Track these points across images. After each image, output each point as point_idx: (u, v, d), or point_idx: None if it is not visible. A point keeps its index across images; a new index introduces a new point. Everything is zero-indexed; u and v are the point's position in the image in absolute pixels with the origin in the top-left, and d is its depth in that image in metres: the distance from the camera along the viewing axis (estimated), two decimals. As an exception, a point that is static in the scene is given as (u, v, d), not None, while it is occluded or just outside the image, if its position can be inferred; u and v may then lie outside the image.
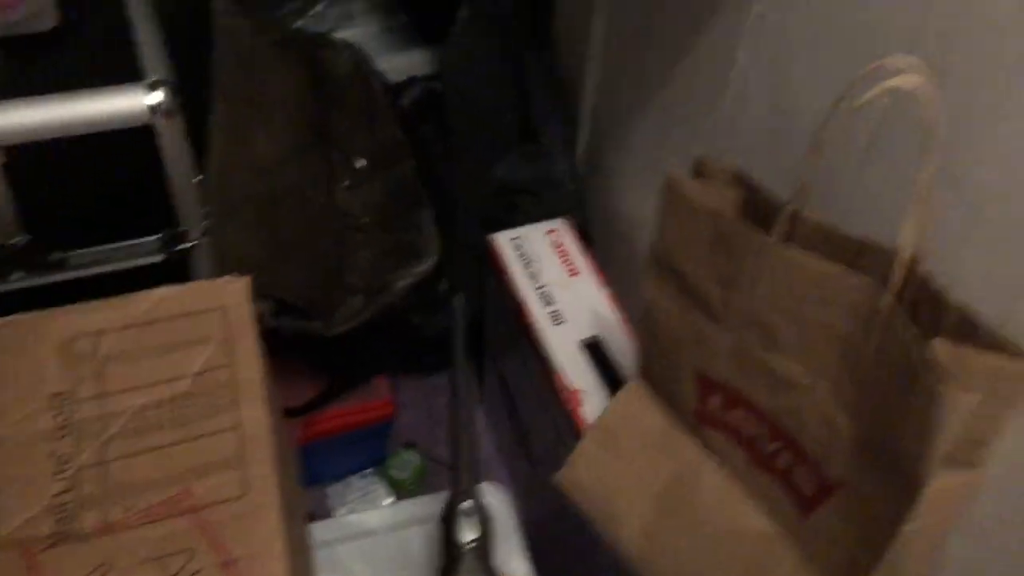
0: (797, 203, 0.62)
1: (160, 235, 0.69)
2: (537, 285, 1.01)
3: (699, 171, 0.69)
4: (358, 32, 1.35)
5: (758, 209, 0.65)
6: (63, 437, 0.56)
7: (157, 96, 0.62)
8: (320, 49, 1.24)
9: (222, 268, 0.89)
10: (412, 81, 1.30)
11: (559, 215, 1.06)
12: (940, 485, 0.56)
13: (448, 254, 1.13)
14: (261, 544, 0.51)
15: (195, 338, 0.61)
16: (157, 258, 0.69)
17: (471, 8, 1.14)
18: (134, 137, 0.63)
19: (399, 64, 1.31)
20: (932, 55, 0.57)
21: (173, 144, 0.63)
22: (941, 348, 0.54)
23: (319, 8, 1.35)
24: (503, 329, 1.09)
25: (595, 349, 0.95)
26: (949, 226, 0.58)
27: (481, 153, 1.12)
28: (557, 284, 1.01)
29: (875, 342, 0.58)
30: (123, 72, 0.63)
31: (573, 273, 1.02)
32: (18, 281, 0.65)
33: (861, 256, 0.61)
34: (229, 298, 0.63)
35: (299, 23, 1.34)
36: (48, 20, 0.63)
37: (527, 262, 1.03)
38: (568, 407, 0.91)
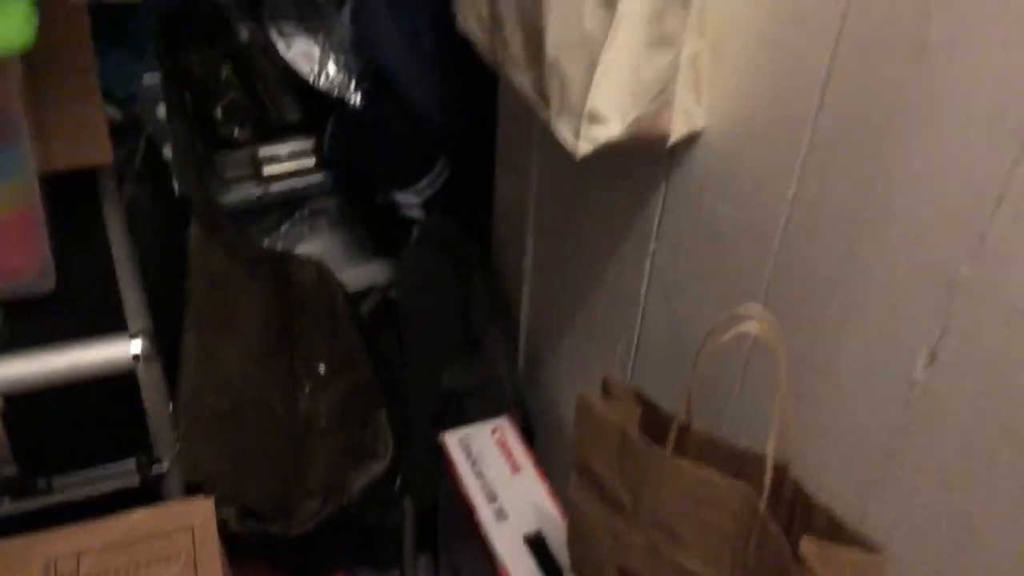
0: (686, 418, 0.73)
1: (135, 459, 0.78)
2: (483, 482, 1.09)
3: (607, 389, 0.80)
4: (321, 245, 1.49)
5: (657, 423, 0.75)
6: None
7: (138, 345, 0.73)
8: (287, 264, 1.38)
9: (188, 477, 0.97)
10: (371, 291, 1.43)
11: (503, 413, 1.16)
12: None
13: (402, 453, 1.22)
14: None
15: (166, 555, 0.69)
16: (133, 481, 0.77)
17: (422, 229, 1.28)
18: (118, 378, 0.73)
19: (359, 275, 1.44)
20: (780, 303, 0.69)
21: (151, 385, 0.74)
22: (808, 547, 0.63)
23: (286, 226, 1.49)
24: (455, 522, 1.16)
25: (537, 544, 1.03)
26: (809, 436, 0.69)
27: (431, 359, 1.23)
28: (501, 481, 1.10)
29: (755, 540, 0.68)
30: (109, 323, 0.74)
31: (515, 470, 1.11)
32: (5, 508, 0.74)
33: (744, 464, 0.72)
34: (196, 518, 0.72)
35: (267, 240, 1.48)
36: (48, 282, 0.74)
37: (473, 460, 1.12)
38: (508, 600, 0.98)
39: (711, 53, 0.71)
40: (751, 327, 0.64)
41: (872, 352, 0.62)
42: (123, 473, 0.77)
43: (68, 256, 0.78)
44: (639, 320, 0.92)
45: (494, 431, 1.16)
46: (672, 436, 0.72)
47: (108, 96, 1.14)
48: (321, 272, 1.39)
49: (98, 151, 0.83)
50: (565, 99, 0.73)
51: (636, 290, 0.90)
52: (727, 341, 0.65)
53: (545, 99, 0.76)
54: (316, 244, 1.49)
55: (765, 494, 0.67)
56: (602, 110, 0.70)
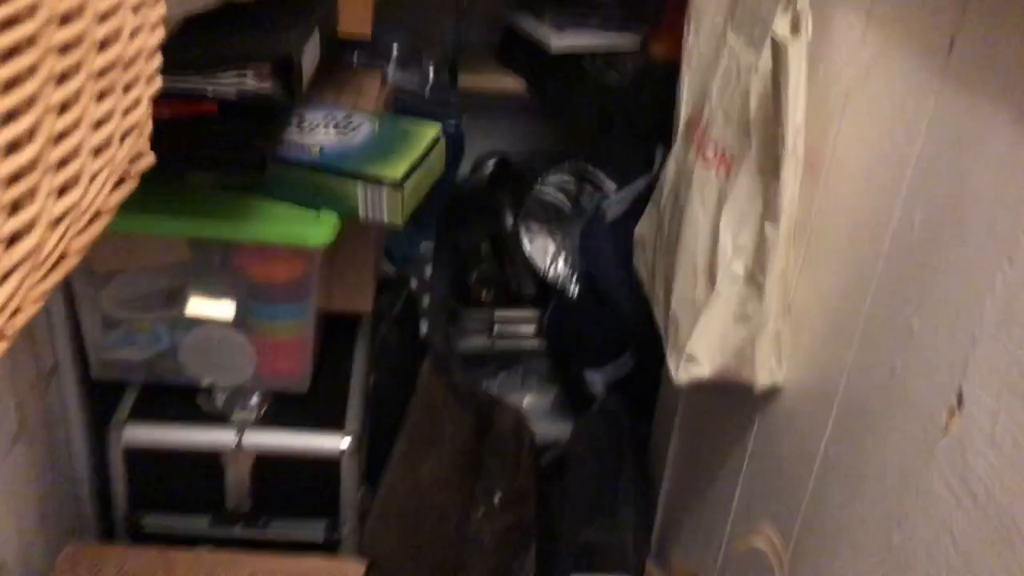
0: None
1: (325, 522, 1.10)
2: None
3: (674, 567, 1.01)
4: (526, 398, 1.80)
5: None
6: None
7: (346, 443, 1.05)
8: (493, 407, 1.69)
9: (369, 552, 1.28)
10: (553, 445, 1.70)
11: (626, 573, 1.37)
12: None
13: (540, 587, 1.45)
14: None
15: (323, 594, 0.98)
16: (319, 538, 1.09)
17: (600, 406, 1.55)
18: (329, 462, 1.06)
19: (548, 429, 1.72)
20: (789, 525, 0.89)
21: (349, 472, 1.06)
22: None
23: (503, 376, 1.82)
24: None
25: None
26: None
27: (579, 513, 1.47)
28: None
29: None
30: (333, 422, 1.08)
31: (621, 624, 1.31)
32: (237, 533, 1.08)
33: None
34: (351, 574, 1.01)
35: (485, 383, 1.81)
36: (304, 385, 1.09)
37: (591, 609, 1.33)
38: None
39: (792, 330, 0.94)
40: (759, 541, 0.84)
41: (841, 585, 0.80)
42: (314, 529, 1.10)
43: (321, 371, 1.13)
44: (729, 524, 1.12)
45: (615, 587, 1.36)
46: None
47: (389, 254, 1.54)
48: (519, 420, 1.68)
49: (364, 303, 1.19)
50: (676, 340, 0.98)
51: (731, 498, 1.11)
52: (748, 550, 0.85)
53: (666, 336, 1.02)
54: (522, 396, 1.79)
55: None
56: (697, 354, 0.95)
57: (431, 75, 1.52)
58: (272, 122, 0.90)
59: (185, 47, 0.83)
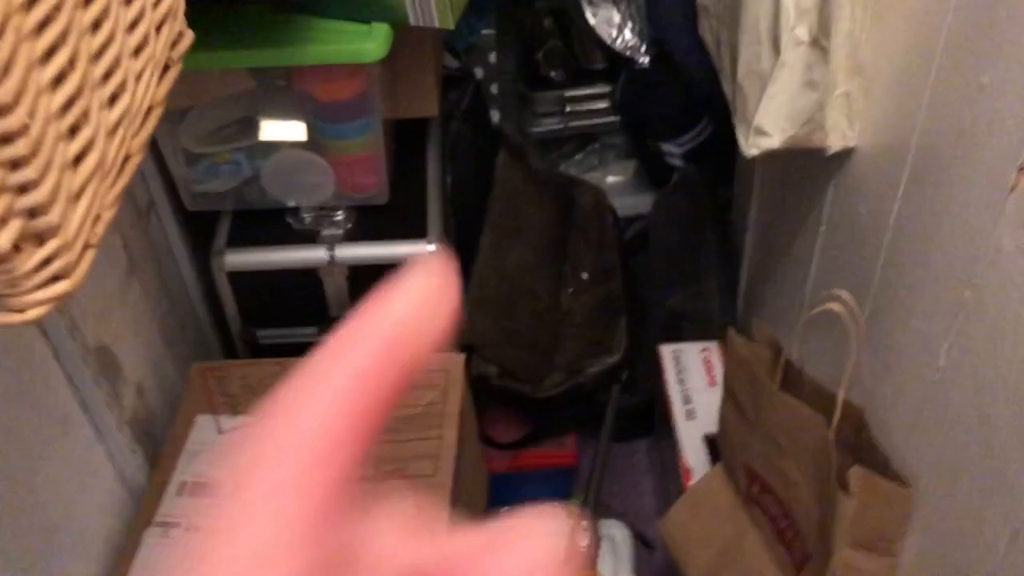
0: (797, 361, 0.97)
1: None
2: (683, 388, 1.38)
3: (755, 332, 1.05)
4: (605, 175, 1.81)
5: (778, 361, 1.00)
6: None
7: (431, 247, 1.10)
8: (572, 188, 1.71)
9: (468, 339, 1.36)
10: (636, 219, 1.72)
11: (713, 339, 1.43)
12: (847, 562, 0.88)
13: (633, 353, 1.53)
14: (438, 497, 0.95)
15: (428, 384, 1.07)
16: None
17: (679, 176, 1.55)
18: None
19: (629, 204, 1.74)
20: (884, 286, 0.91)
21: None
22: (855, 472, 0.87)
23: (580, 156, 1.82)
24: (662, 416, 1.47)
25: (712, 441, 1.30)
26: (877, 386, 0.91)
27: (665, 283, 1.51)
28: (698, 390, 1.38)
29: (825, 460, 0.92)
30: (416, 229, 1.13)
31: (712, 384, 1.38)
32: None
33: (829, 402, 0.95)
34: (452, 366, 1.09)
35: (563, 165, 1.82)
36: (384, 197, 1.13)
37: (680, 370, 1.40)
38: (681, 479, 1.28)
39: (862, 91, 0.92)
40: (835, 306, 0.87)
41: (916, 336, 0.83)
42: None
43: (399, 179, 1.17)
44: (808, 286, 1.14)
45: (703, 350, 1.43)
46: (779, 374, 0.97)
47: (449, 47, 1.52)
48: (599, 197, 1.70)
49: (430, 107, 1.20)
50: (743, 113, 0.97)
51: (809, 262, 1.12)
52: (821, 312, 0.88)
53: (734, 107, 1.00)
54: (601, 173, 1.80)
55: (834, 425, 0.90)
56: (766, 127, 0.94)
57: None
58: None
59: None
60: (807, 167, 1.09)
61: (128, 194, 1.10)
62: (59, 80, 0.33)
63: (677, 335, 1.47)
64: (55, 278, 0.34)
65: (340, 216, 1.13)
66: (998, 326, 0.70)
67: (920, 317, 0.83)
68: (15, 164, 0.30)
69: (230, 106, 1.05)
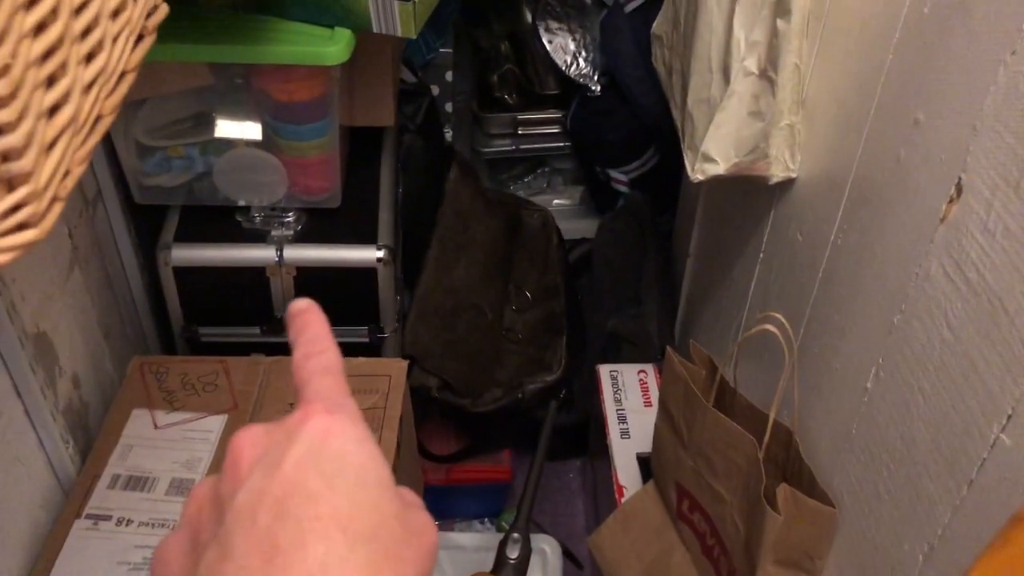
0: (731, 382, 1.00)
1: (368, 327, 1.17)
2: (619, 408, 1.40)
3: (692, 352, 1.08)
4: (550, 198, 1.84)
5: (714, 380, 1.03)
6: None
7: (380, 252, 1.11)
8: (520, 208, 1.73)
9: (410, 350, 1.37)
10: (581, 241, 1.75)
11: (650, 361, 1.46)
12: None
13: (572, 372, 1.55)
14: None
15: (370, 389, 1.07)
16: (364, 340, 1.17)
17: (624, 202, 1.58)
18: (365, 272, 1.12)
19: (575, 227, 1.77)
20: (817, 310, 0.94)
21: (385, 281, 1.12)
22: (782, 491, 0.90)
23: (529, 178, 1.85)
24: (597, 434, 1.49)
25: (644, 461, 1.33)
26: (808, 407, 0.94)
27: (605, 305, 1.54)
28: (634, 410, 1.40)
29: (754, 479, 0.95)
30: (367, 234, 1.13)
31: (647, 405, 1.41)
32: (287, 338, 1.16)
33: (760, 422, 0.98)
34: (394, 371, 1.09)
35: (512, 187, 1.84)
36: (336, 201, 1.14)
37: (617, 390, 1.43)
38: (614, 496, 1.30)
39: (805, 124, 0.96)
40: (770, 327, 0.90)
41: (847, 358, 0.87)
42: (359, 334, 1.18)
43: (351, 185, 1.18)
44: (745, 310, 1.18)
45: (640, 372, 1.46)
46: (714, 393, 1.00)
47: (407, 62, 1.54)
48: (546, 219, 1.73)
49: (386, 116, 1.22)
50: (691, 139, 1.00)
51: (747, 287, 1.16)
52: (757, 333, 0.91)
53: (682, 134, 1.04)
54: (549, 196, 1.83)
55: (764, 445, 0.93)
56: (712, 153, 0.97)
57: None
58: (278, -60, 0.90)
59: None
60: (748, 195, 1.13)
61: (76, 183, 1.09)
62: (40, 28, 0.34)
63: (616, 356, 1.50)
64: (22, 226, 0.34)
65: (291, 217, 1.13)
66: (924, 350, 0.74)
67: (851, 341, 0.86)
68: (-7, 106, 0.31)
69: (186, 101, 1.05)
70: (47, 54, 0.34)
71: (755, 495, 0.95)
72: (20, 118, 0.32)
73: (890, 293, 0.79)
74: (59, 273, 1.02)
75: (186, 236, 1.13)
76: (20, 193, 0.34)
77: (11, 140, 0.32)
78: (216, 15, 0.98)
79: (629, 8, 1.50)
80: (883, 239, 0.81)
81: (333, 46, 0.95)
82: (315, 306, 0.37)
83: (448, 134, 1.67)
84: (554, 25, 1.63)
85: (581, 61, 1.61)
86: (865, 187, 0.85)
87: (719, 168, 0.98)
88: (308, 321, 0.37)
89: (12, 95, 0.31)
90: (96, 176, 1.12)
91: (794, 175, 1.00)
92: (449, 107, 1.69)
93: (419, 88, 1.48)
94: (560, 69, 1.64)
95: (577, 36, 1.62)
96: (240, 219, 1.14)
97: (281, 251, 1.11)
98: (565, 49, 1.62)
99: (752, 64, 0.92)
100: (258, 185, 1.11)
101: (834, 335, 0.90)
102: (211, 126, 1.07)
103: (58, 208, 0.37)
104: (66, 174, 0.37)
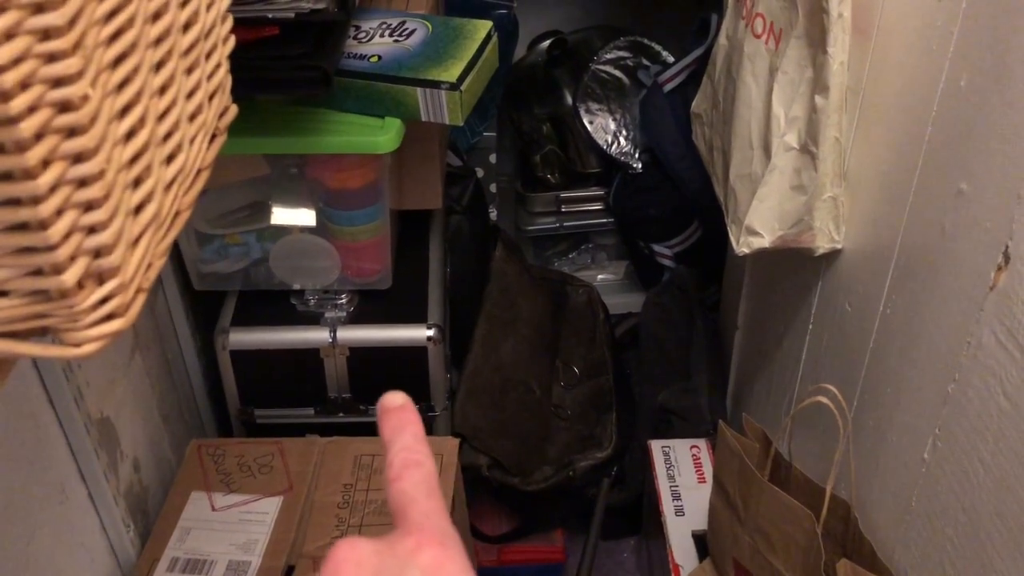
0: (786, 456, 1.00)
1: (419, 405, 1.19)
2: (672, 485, 1.39)
3: (745, 426, 1.07)
4: (597, 274, 1.85)
5: (768, 454, 1.02)
6: (344, 507, 1.04)
7: (430, 332, 1.13)
8: (565, 284, 1.75)
9: (460, 429, 1.38)
10: (627, 316, 1.76)
11: (702, 436, 1.45)
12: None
13: (622, 449, 1.54)
14: None
15: (423, 469, 1.08)
16: (415, 419, 1.19)
17: (670, 276, 1.60)
18: (416, 350, 1.14)
19: (620, 302, 1.78)
20: (853, 381, 0.94)
21: (435, 359, 1.14)
22: (843, 566, 0.89)
23: (573, 255, 1.87)
24: (650, 511, 1.47)
25: (700, 539, 1.31)
26: (865, 479, 0.93)
27: (655, 380, 1.54)
28: (687, 487, 1.39)
29: (814, 554, 0.93)
30: (417, 314, 1.16)
31: (701, 480, 1.39)
32: (341, 418, 1.18)
33: (817, 495, 0.97)
34: (446, 451, 1.10)
35: (557, 263, 1.87)
36: (387, 282, 1.17)
37: (670, 466, 1.42)
38: (670, 575, 1.28)
39: (848, 196, 0.97)
40: (824, 399, 0.90)
41: (902, 429, 0.86)
42: (410, 412, 1.19)
43: (401, 266, 1.21)
44: (797, 383, 1.17)
45: (692, 447, 1.44)
46: (768, 467, 0.99)
47: (453, 147, 1.59)
48: (591, 295, 1.74)
49: (434, 200, 1.25)
50: (735, 213, 1.02)
51: (798, 359, 1.16)
52: (809, 406, 0.91)
53: (726, 209, 1.05)
54: (594, 272, 1.85)
55: (822, 519, 0.92)
56: (757, 227, 0.98)
57: (479, -36, 1.53)
58: (331, 38, 0.94)
59: (242, -26, 0.87)
60: (795, 267, 1.14)
61: (157, 274, 1.13)
62: (130, 135, 0.36)
63: (667, 431, 1.49)
64: (110, 316, 0.36)
65: (343, 299, 1.16)
66: (981, 419, 0.73)
67: (906, 411, 0.86)
68: (89, 206, 0.34)
69: (244, 190, 1.09)
70: (135, 158, 0.37)
71: (815, 570, 0.94)
72: (111, 217, 0.34)
73: (943, 362, 0.79)
74: (121, 359, 1.05)
75: (242, 320, 1.16)
76: (109, 286, 0.36)
77: (103, 238, 0.34)
78: (270, 109, 1.02)
79: (668, 88, 1.53)
80: (933, 308, 0.81)
81: (384, 135, 0.98)
82: (410, 403, 0.36)
83: (493, 214, 1.71)
84: (594, 106, 1.67)
85: (622, 140, 1.65)
86: (912, 257, 0.85)
87: (764, 241, 0.99)
88: (405, 421, 0.36)
89: (105, 197, 0.34)
90: (157, 265, 1.16)
91: (839, 247, 1.00)
92: (494, 188, 1.73)
93: (464, 171, 1.52)
94: (601, 148, 1.68)
95: (617, 116, 1.66)
96: (294, 302, 1.17)
97: (335, 332, 1.14)
98: (606, 129, 1.66)
99: (792, 139, 0.94)
100: (312, 269, 1.14)
101: (888, 406, 0.89)
102: (267, 214, 1.11)
103: (142, 299, 0.39)
104: (149, 266, 0.39)
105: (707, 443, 1.44)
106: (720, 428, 1.07)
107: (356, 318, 1.16)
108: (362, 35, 1.03)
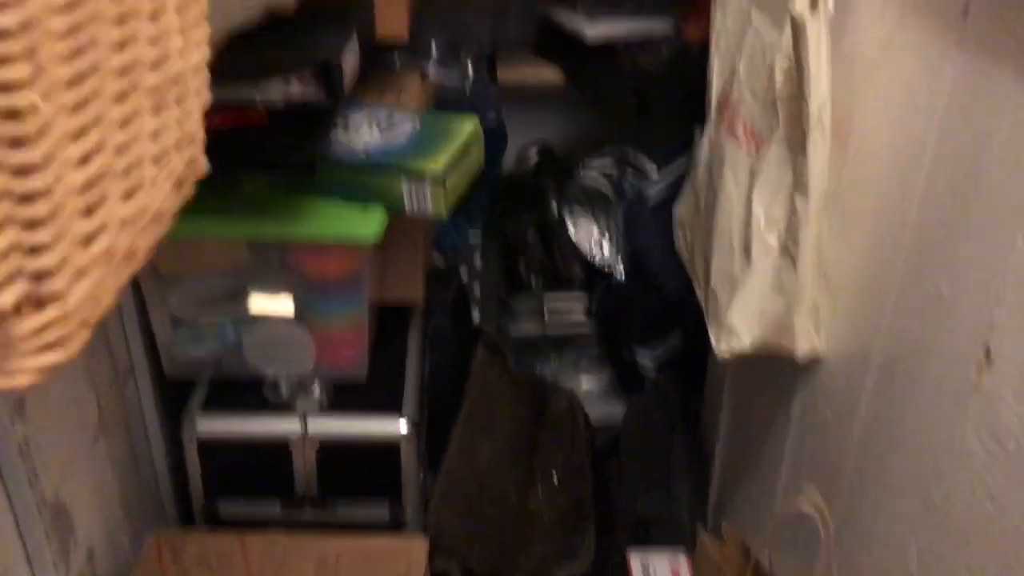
0: (762, 562, 0.96)
1: (388, 503, 1.15)
2: (650, 598, 1.34)
3: (725, 535, 1.04)
4: (577, 381, 1.83)
5: (749, 564, 0.99)
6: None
7: (404, 426, 1.10)
8: (546, 390, 1.73)
9: (432, 532, 1.33)
10: (606, 429, 1.73)
11: (682, 544, 1.40)
12: None
13: (601, 560, 1.49)
14: None
15: (389, 570, 1.04)
16: (384, 518, 1.15)
17: (652, 385, 1.58)
18: (388, 445, 1.11)
19: (602, 411, 1.76)
20: (853, 485, 0.92)
21: (408, 455, 1.11)
22: None
23: (555, 361, 1.86)
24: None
25: (678, 656, 1.25)
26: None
27: (634, 488, 1.50)
28: (665, 600, 1.34)
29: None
30: (391, 407, 1.13)
31: (679, 595, 1.34)
32: (307, 515, 1.14)
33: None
34: (415, 552, 1.06)
35: (539, 368, 1.85)
36: (362, 374, 1.15)
37: (648, 579, 1.37)
38: None
39: (829, 301, 0.97)
40: (806, 506, 0.87)
41: (887, 537, 0.83)
42: (378, 510, 1.15)
43: (377, 359, 1.19)
44: (779, 491, 1.14)
45: (672, 558, 1.40)
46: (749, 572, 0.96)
47: (437, 246, 1.59)
48: (572, 402, 1.72)
49: (415, 294, 1.24)
50: (715, 315, 1.01)
51: (779, 467, 1.13)
52: (791, 514, 0.88)
53: (707, 310, 1.05)
54: (575, 378, 1.83)
55: (802, 635, 0.88)
56: (737, 328, 0.98)
57: (470, 70, 1.56)
58: (318, 125, 0.95)
59: (233, 59, 0.88)
60: (776, 373, 1.13)
61: (109, 355, 1.11)
62: (84, 160, 0.36)
63: (646, 540, 1.45)
64: (48, 347, 0.35)
65: (317, 389, 1.14)
66: (967, 526, 0.71)
67: (890, 518, 0.83)
68: (31, 224, 0.33)
69: (223, 276, 1.08)
70: (88, 185, 0.36)
71: None
72: (56, 240, 0.33)
73: (927, 467, 0.77)
74: (84, 442, 1.02)
75: (212, 407, 1.13)
76: (49, 314, 0.34)
77: (45, 261, 0.33)
78: (252, 193, 1.02)
79: (651, 197, 1.55)
80: (915, 411, 0.79)
81: (367, 225, 0.98)
82: None
83: (475, 316, 1.70)
84: (579, 212, 1.68)
85: (605, 247, 1.66)
86: (892, 360, 0.84)
87: (744, 343, 0.98)
88: None
89: (51, 216, 0.33)
90: (129, 350, 1.14)
91: (820, 350, 0.99)
92: (477, 290, 1.73)
93: (448, 270, 1.52)
94: (584, 256, 1.69)
95: (601, 223, 1.67)
96: (267, 391, 1.15)
97: (306, 422, 1.11)
98: (590, 236, 1.67)
99: (773, 240, 0.94)
100: (287, 358, 1.12)
101: (872, 513, 0.87)
102: (245, 301, 1.10)
103: (85, 333, 0.38)
104: (97, 302, 0.38)
105: (686, 557, 1.39)
106: (700, 538, 1.04)
107: (328, 409, 1.13)
108: (350, 125, 1.05)
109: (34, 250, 0.33)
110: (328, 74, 0.90)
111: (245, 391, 1.14)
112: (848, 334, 0.94)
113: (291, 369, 1.13)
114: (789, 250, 0.93)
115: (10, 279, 0.32)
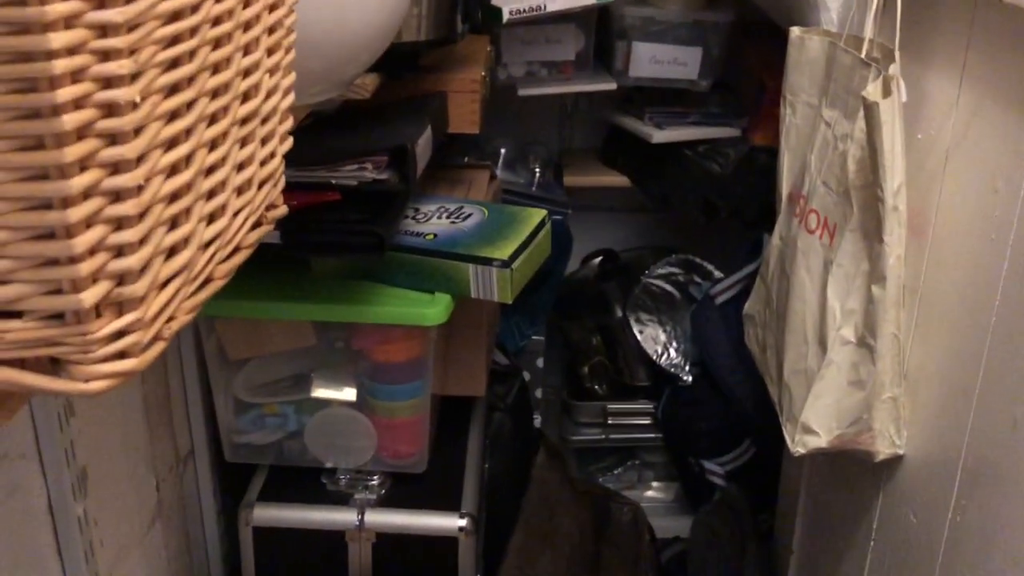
0: None
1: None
2: None
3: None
4: (641, 492, 1.77)
5: None
6: None
7: (463, 523, 1.07)
8: (609, 501, 1.67)
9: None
10: (675, 541, 1.66)
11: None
12: None
13: None
14: None
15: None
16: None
17: (721, 496, 1.52)
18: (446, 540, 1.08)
19: (668, 524, 1.69)
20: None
21: (466, 553, 1.07)
22: None
23: (619, 470, 1.80)
24: None
25: None
26: None
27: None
28: None
29: None
30: (450, 502, 1.10)
31: None
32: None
33: None
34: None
35: (602, 478, 1.80)
36: (422, 466, 1.13)
37: None
38: None
39: (909, 398, 0.93)
40: None
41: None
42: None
43: (437, 454, 1.17)
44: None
45: None
46: None
47: (501, 347, 1.58)
48: (637, 515, 1.66)
49: (478, 387, 1.23)
50: (790, 412, 0.98)
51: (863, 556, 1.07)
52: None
53: (781, 408, 1.01)
54: (640, 490, 1.77)
55: None
56: (813, 424, 0.94)
57: (537, 173, 1.59)
58: (390, 208, 0.96)
59: (312, 144, 0.91)
60: (853, 479, 1.07)
61: (171, 437, 1.11)
62: (174, 170, 0.36)
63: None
64: (123, 354, 0.34)
65: (375, 481, 1.12)
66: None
67: (983, 630, 0.77)
68: (119, 223, 0.33)
69: (287, 360, 1.09)
70: (174, 196, 0.36)
71: None
72: (141, 243, 0.33)
73: (1023, 571, 0.71)
74: (141, 524, 1.01)
75: (269, 496, 1.11)
76: (128, 318, 0.34)
77: (129, 262, 0.33)
78: (324, 281, 1.03)
79: (720, 300, 1.53)
80: (1008, 512, 0.74)
81: (433, 308, 0.98)
82: None
83: (537, 420, 1.67)
84: (645, 316, 1.67)
85: (672, 351, 1.63)
86: (980, 459, 0.80)
87: (820, 440, 0.94)
88: None
89: (138, 217, 0.33)
90: (191, 433, 1.14)
91: (901, 451, 0.95)
92: (539, 393, 1.70)
93: (511, 370, 1.51)
94: (651, 360, 1.66)
95: (668, 327, 1.65)
96: (325, 481, 1.13)
97: (363, 515, 1.08)
98: (656, 340, 1.65)
99: (849, 332, 0.91)
100: (347, 447, 1.11)
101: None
102: (308, 386, 1.09)
103: (160, 347, 0.37)
104: (171, 318, 0.38)
105: None
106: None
107: (386, 501, 1.11)
108: (421, 216, 1.06)
109: (119, 250, 0.33)
110: (402, 159, 0.92)
111: (303, 479, 1.13)
112: (931, 432, 0.89)
113: (351, 459, 1.11)
114: (867, 341, 0.90)
115: (93, 278, 0.32)
